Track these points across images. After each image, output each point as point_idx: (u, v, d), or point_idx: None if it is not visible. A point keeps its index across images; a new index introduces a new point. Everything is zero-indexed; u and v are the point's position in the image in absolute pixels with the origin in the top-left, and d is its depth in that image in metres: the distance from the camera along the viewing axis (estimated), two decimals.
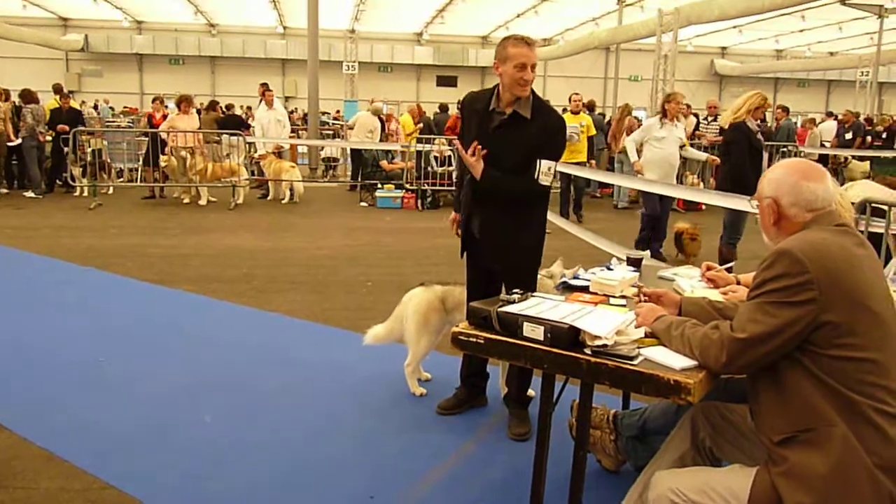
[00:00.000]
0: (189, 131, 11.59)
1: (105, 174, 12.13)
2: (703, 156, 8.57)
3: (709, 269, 2.89)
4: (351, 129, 14.24)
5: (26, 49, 27.26)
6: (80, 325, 5.15)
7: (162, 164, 11.40)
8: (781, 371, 1.91)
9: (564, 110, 13.72)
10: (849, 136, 15.15)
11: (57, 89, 13.00)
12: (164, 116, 12.65)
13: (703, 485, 1.99)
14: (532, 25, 28.28)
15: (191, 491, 2.95)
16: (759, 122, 6.66)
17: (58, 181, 12.49)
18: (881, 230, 4.40)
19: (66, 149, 11.68)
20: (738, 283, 2.73)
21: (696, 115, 13.23)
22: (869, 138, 15.68)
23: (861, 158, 14.06)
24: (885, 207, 4.15)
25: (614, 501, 2.40)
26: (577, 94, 11.01)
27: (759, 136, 6.40)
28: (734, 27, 27.34)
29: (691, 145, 9.63)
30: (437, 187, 12.11)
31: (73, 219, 9.88)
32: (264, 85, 12.90)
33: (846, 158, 13.88)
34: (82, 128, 12.31)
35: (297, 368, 4.35)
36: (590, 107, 14.08)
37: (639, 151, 7.60)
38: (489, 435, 3.53)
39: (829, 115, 19.25)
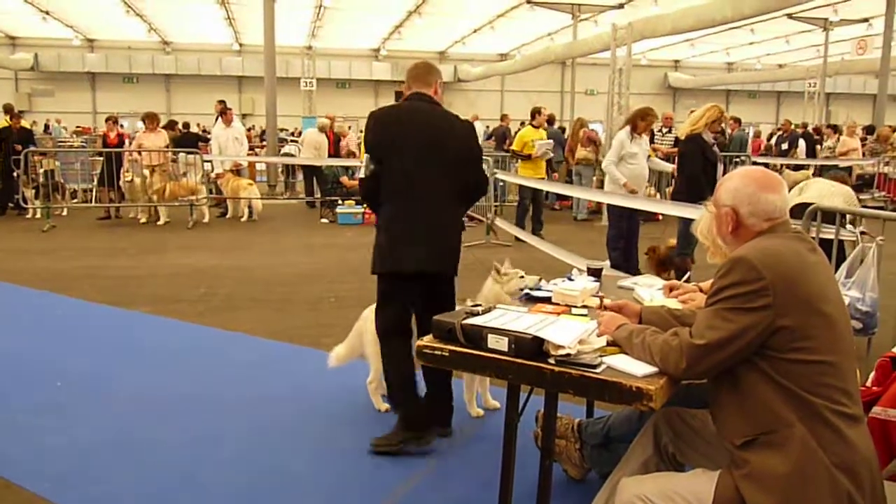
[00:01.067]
0: (158, 150, 11.43)
1: (59, 195, 11.87)
2: (668, 167, 8.52)
3: (672, 289, 2.92)
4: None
5: None
6: (35, 349, 5.02)
7: (126, 179, 11.23)
8: (740, 376, 1.96)
9: (523, 124, 13.95)
10: (785, 145, 15.47)
11: (7, 109, 12.70)
12: (119, 135, 12.42)
13: (667, 490, 2.02)
14: (488, 40, 28.57)
15: None
16: (715, 134, 6.73)
17: (10, 204, 12.19)
18: (831, 236, 4.54)
19: (17, 170, 11.40)
20: (701, 290, 2.77)
21: (651, 129, 13.49)
22: (818, 147, 16.12)
23: (798, 168, 14.36)
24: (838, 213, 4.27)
25: None
26: (544, 107, 11.15)
27: (715, 147, 6.50)
28: (686, 41, 27.95)
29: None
30: None
31: (27, 241, 9.63)
32: (222, 102, 12.77)
33: (779, 166, 14.21)
34: (34, 148, 12.05)
35: (259, 387, 4.30)
36: (549, 120, 14.28)
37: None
38: (455, 448, 3.53)
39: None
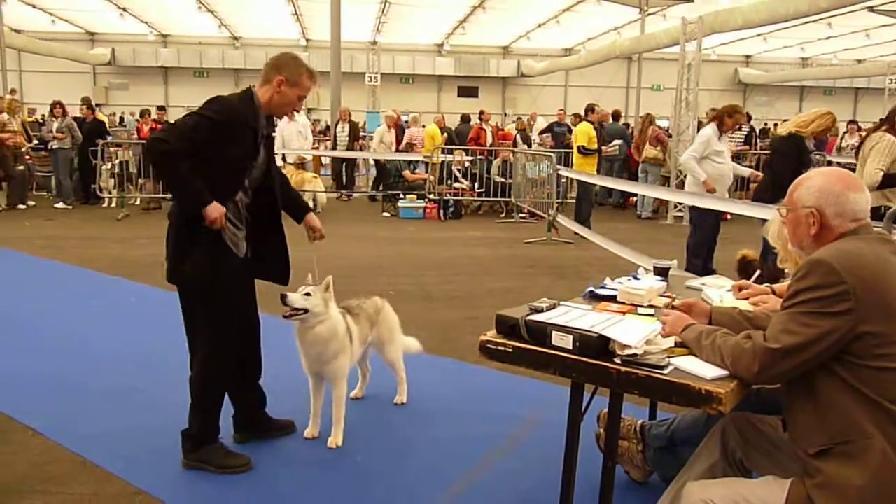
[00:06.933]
0: None
1: (132, 185, 12.30)
2: (745, 171, 8.06)
3: (741, 289, 2.84)
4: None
5: (55, 63, 27.80)
6: (110, 333, 5.23)
7: None
8: (817, 382, 1.89)
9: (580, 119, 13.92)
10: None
11: (85, 101, 13.24)
12: None
13: (736, 496, 1.97)
14: (553, 35, 28.30)
15: (223, 498, 2.99)
16: (815, 141, 6.30)
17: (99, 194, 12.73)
18: None
19: (94, 161, 11.87)
20: (774, 293, 2.69)
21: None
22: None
23: None
24: None
25: None
26: (597, 104, 11.09)
27: (813, 154, 6.07)
28: (758, 35, 27.06)
29: None
30: (459, 197, 12.18)
31: (102, 230, 10.03)
32: None
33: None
34: (109, 139, 12.53)
35: None
36: (615, 116, 14.10)
37: None
38: (515, 445, 3.52)
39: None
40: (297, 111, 3.30)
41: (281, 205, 3.50)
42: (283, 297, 3.20)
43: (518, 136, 14.59)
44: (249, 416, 3.52)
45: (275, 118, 3.31)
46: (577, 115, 15.24)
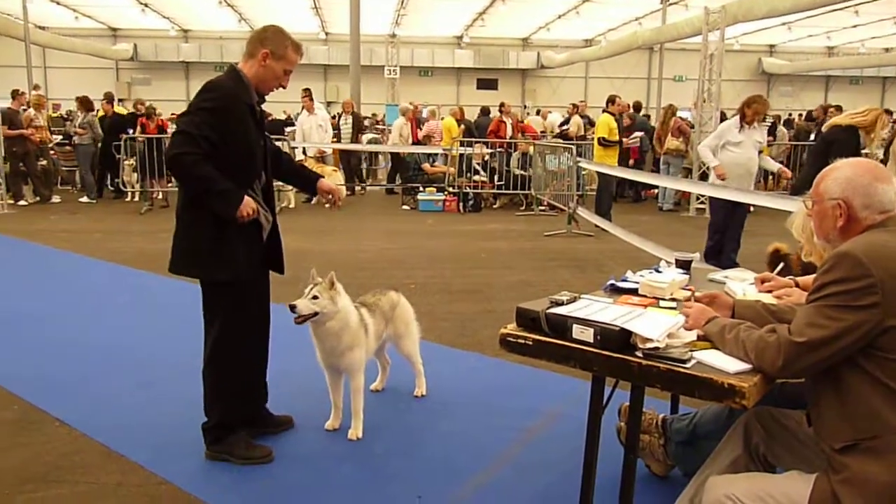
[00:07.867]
0: None
1: (154, 180, 12.40)
2: (775, 166, 8.02)
3: (764, 281, 2.80)
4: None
5: (78, 59, 28.12)
6: (134, 325, 5.30)
7: None
8: (843, 376, 1.87)
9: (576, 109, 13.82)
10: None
11: (107, 97, 13.39)
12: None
13: (759, 490, 1.95)
14: (574, 26, 28.11)
15: (245, 489, 3.01)
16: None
17: (110, 186, 12.85)
18: None
19: (118, 156, 11.99)
20: (797, 285, 2.65)
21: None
22: None
23: None
24: None
25: None
26: (618, 96, 11.03)
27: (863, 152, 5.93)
28: (783, 24, 26.67)
29: None
30: (479, 190, 12.16)
31: (126, 223, 10.14)
32: (306, 90, 13.05)
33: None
34: (132, 133, 12.63)
35: None
36: (636, 107, 13.99)
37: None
38: (535, 439, 3.51)
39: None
40: (284, 87, 3.23)
41: (297, 183, 3.48)
42: (293, 307, 3.20)
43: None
44: (252, 412, 3.46)
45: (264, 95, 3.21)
46: (574, 106, 15.13)
